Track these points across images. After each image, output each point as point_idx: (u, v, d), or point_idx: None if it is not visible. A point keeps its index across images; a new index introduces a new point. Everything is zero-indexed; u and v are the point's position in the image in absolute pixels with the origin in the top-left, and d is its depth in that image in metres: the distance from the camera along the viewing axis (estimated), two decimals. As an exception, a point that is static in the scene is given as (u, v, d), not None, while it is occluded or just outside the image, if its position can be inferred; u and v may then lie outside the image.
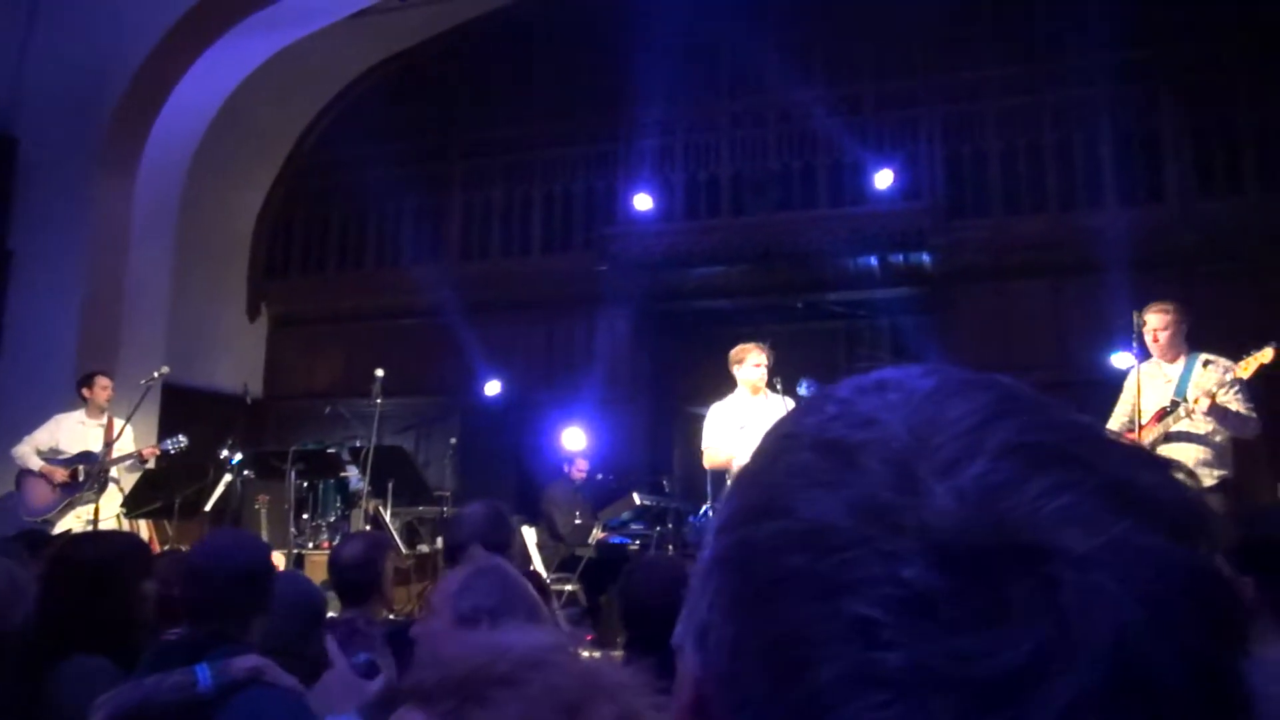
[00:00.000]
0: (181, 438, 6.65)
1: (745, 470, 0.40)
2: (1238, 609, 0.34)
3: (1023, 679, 0.30)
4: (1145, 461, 0.36)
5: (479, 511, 2.95)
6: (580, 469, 7.91)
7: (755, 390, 5.34)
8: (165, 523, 6.97)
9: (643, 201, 8.96)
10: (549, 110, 9.65)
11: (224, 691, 1.80)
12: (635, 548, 7.10)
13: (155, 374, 6.87)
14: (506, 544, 3.02)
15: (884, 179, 8.34)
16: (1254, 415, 4.49)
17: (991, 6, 8.60)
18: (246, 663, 1.86)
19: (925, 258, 8.44)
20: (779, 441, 0.40)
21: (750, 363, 5.35)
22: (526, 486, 8.68)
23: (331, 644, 1.75)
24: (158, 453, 6.76)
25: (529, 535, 6.55)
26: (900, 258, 8.56)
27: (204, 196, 9.36)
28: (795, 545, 0.35)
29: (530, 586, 1.82)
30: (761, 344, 5.43)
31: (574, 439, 8.28)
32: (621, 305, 9.01)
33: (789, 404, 4.75)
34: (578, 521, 7.38)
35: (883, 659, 0.32)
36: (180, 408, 8.64)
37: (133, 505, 6.54)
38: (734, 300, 9.12)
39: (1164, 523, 0.34)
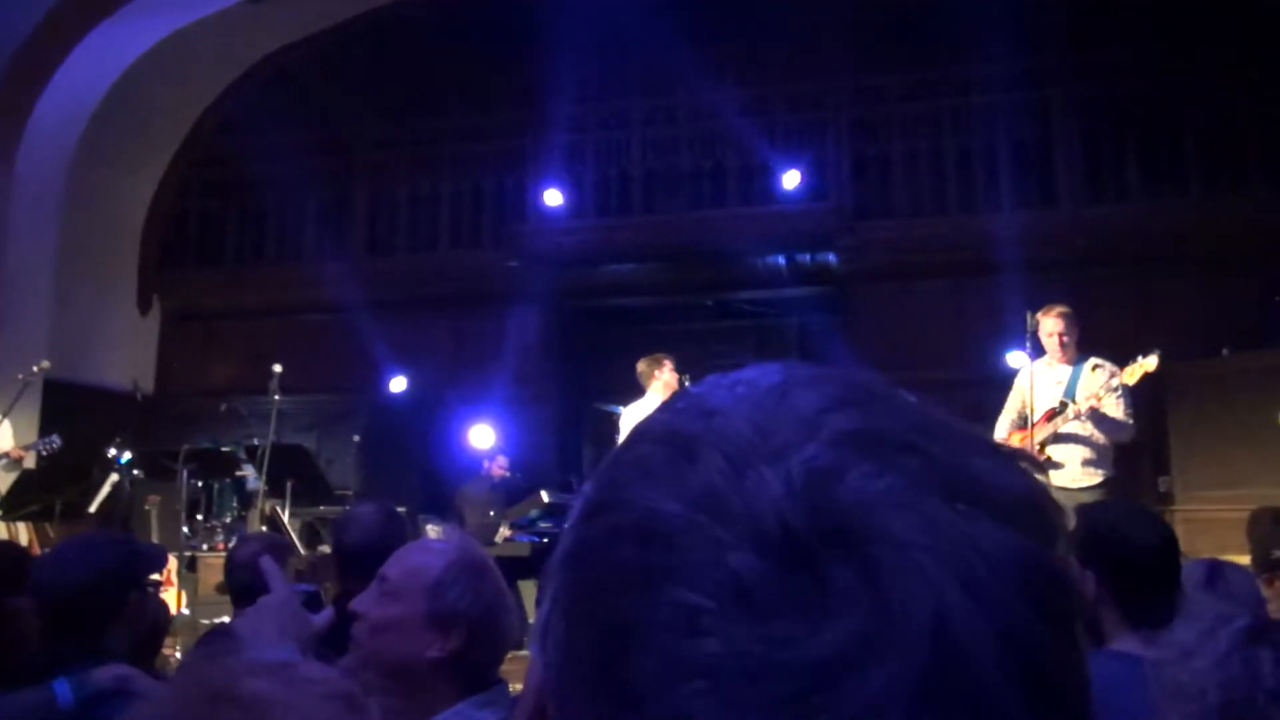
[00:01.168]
0: (55, 438, 6.34)
1: (596, 468, 0.40)
2: (1069, 599, 0.34)
3: (837, 665, 0.30)
4: (985, 450, 0.36)
5: (371, 513, 2.83)
6: (501, 467, 7.82)
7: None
8: (46, 525, 6.63)
9: (553, 198, 8.90)
10: (458, 103, 9.51)
11: (86, 705, 1.70)
12: (545, 544, 7.04)
13: (35, 369, 6.54)
14: (397, 548, 2.91)
15: (791, 180, 8.47)
16: (1130, 421, 4.68)
17: (897, 14, 8.80)
18: (110, 673, 1.75)
19: (831, 258, 8.60)
20: (630, 437, 0.40)
21: (668, 367, 5.64)
22: (433, 484, 8.54)
23: (268, 563, 1.59)
24: (25, 454, 6.41)
25: (435, 534, 6.44)
26: (807, 258, 8.71)
27: (91, 185, 8.93)
28: (626, 537, 0.34)
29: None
30: (668, 355, 5.74)
31: (482, 437, 8.18)
32: (531, 303, 8.94)
33: None
34: (487, 519, 7.30)
35: (700, 646, 0.31)
36: (64, 405, 8.22)
37: (9, 507, 6.20)
38: (645, 298, 9.15)
39: (995, 510, 0.33)
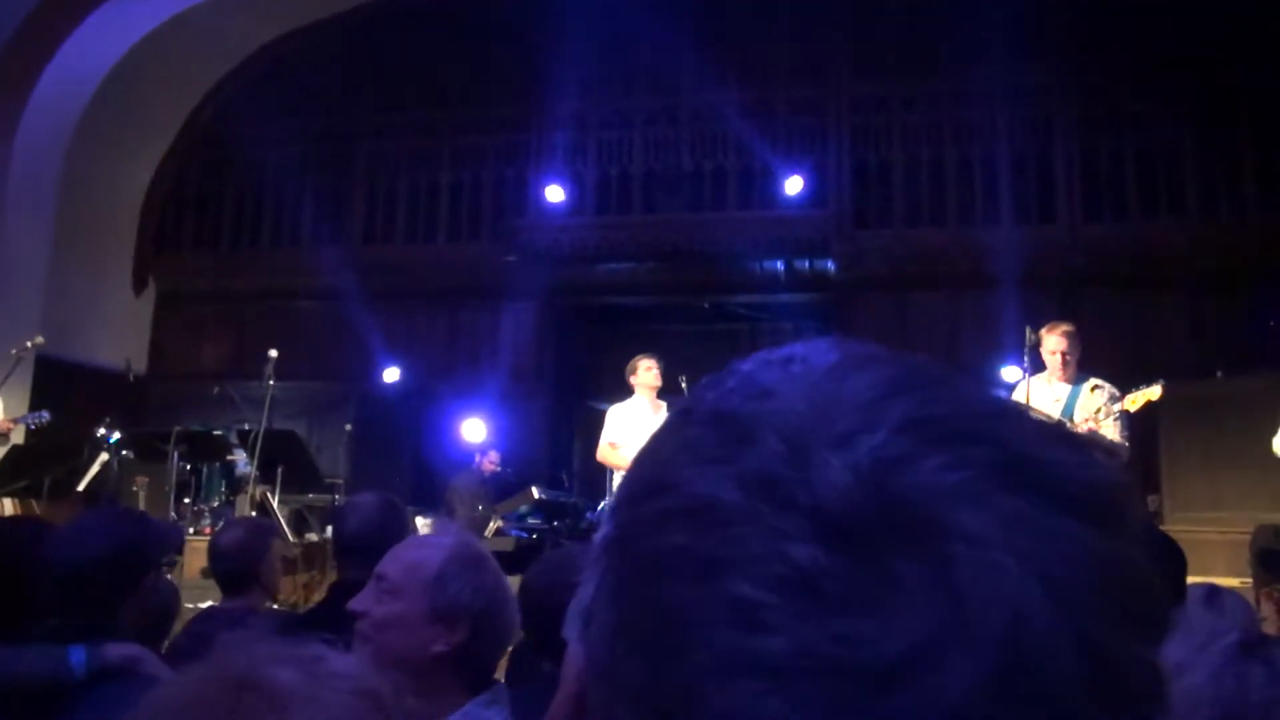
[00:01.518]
0: (45, 413, 6.30)
1: (642, 449, 0.38)
2: (1149, 598, 0.32)
3: (912, 664, 0.28)
4: (1056, 438, 0.34)
5: (371, 503, 2.84)
6: (492, 462, 7.81)
7: (654, 400, 5.58)
8: (33, 502, 6.60)
9: (554, 194, 8.89)
10: (461, 96, 9.49)
11: (96, 677, 1.69)
12: (533, 540, 7.04)
13: (28, 344, 6.50)
14: (398, 539, 2.91)
15: (793, 185, 8.49)
16: (1126, 445, 4.69)
17: (903, 23, 8.83)
18: (120, 650, 1.75)
19: (829, 264, 8.61)
20: (676, 417, 0.38)
21: (643, 367, 5.60)
22: (423, 476, 8.53)
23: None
24: (12, 427, 6.38)
25: (424, 526, 6.44)
26: (805, 263, 8.72)
27: (89, 165, 8.89)
28: (679, 523, 0.32)
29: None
30: (654, 355, 5.69)
31: (474, 430, 8.17)
32: (527, 298, 8.93)
33: None
34: (477, 513, 7.30)
35: (763, 644, 0.29)
36: (56, 382, 8.20)
37: (-3, 484, 6.17)
38: (641, 298, 9.15)
39: (1070, 503, 0.31)
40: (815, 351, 0.37)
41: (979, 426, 0.33)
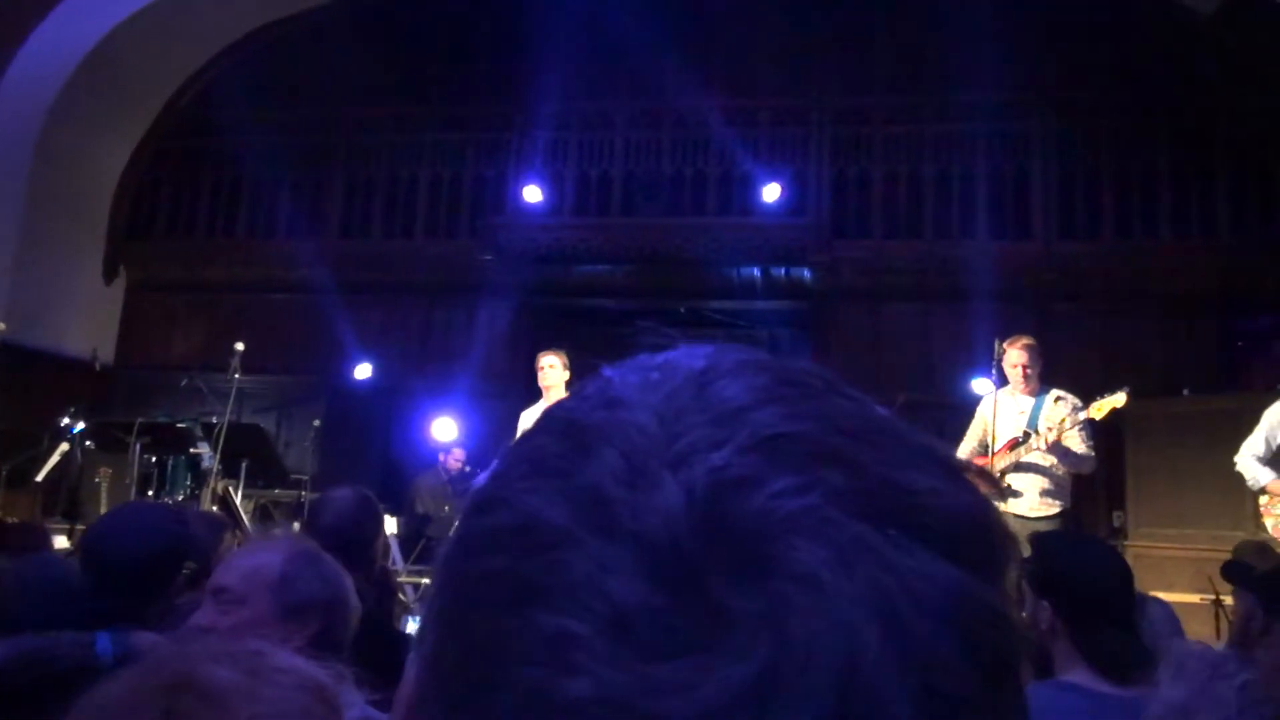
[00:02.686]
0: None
1: (501, 456, 0.35)
2: (1008, 641, 0.29)
3: (727, 712, 0.25)
4: (927, 462, 0.31)
5: (346, 497, 2.81)
6: (457, 459, 7.74)
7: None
8: (-9, 491, 6.49)
9: (532, 194, 8.86)
10: (443, 92, 9.44)
11: (120, 664, 1.67)
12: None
13: (-10, 330, 6.38)
14: (375, 535, 2.89)
15: (772, 192, 8.50)
16: (1092, 453, 4.74)
17: (887, 38, 8.87)
18: (148, 639, 1.73)
19: (806, 273, 8.63)
20: (534, 424, 0.35)
21: (544, 364, 5.27)
22: (391, 474, 8.45)
23: None
24: None
25: (390, 525, 6.38)
26: (783, 271, 8.73)
27: (63, 147, 8.77)
28: (503, 543, 0.30)
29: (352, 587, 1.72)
30: (558, 350, 5.37)
31: (444, 429, 8.11)
32: (503, 297, 8.88)
33: None
34: (443, 513, 7.23)
35: (567, 686, 0.26)
36: (19, 369, 8.07)
37: (-48, 471, 6.05)
38: (617, 300, 9.11)
39: (930, 535, 0.28)
40: (688, 358, 0.34)
41: (839, 446, 0.29)
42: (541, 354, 5.35)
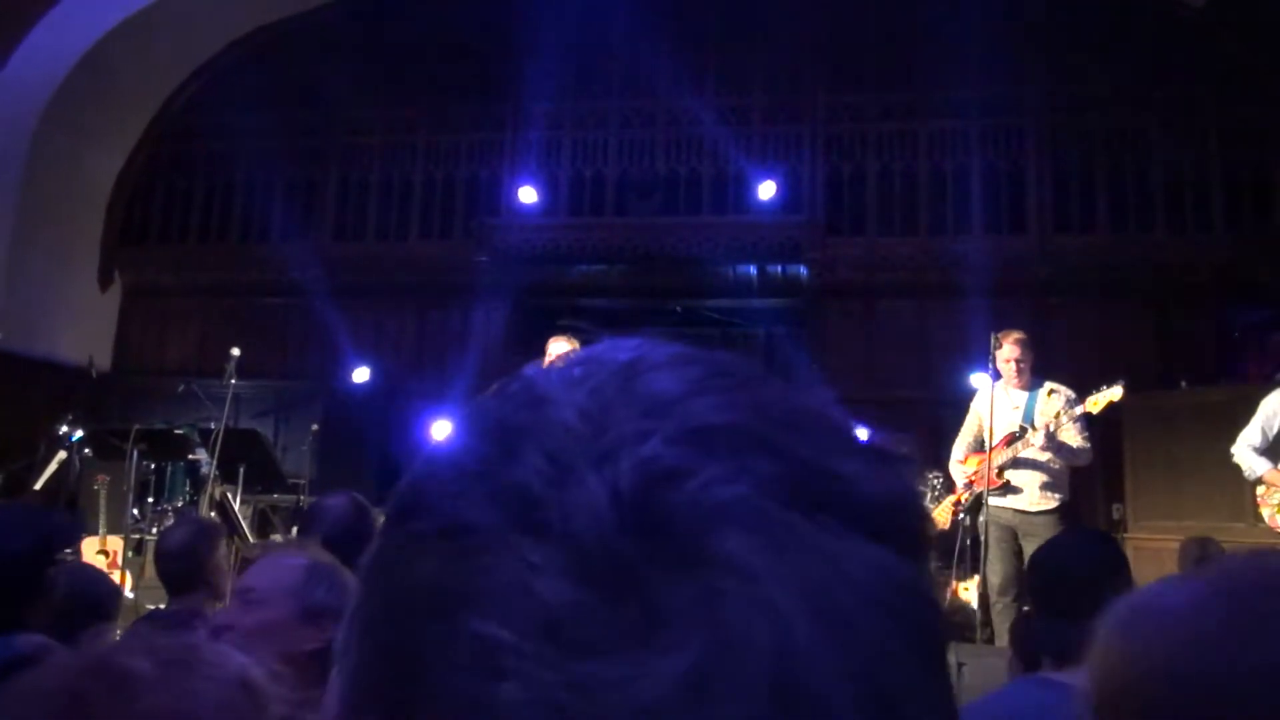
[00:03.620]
0: None
1: (419, 459, 0.34)
2: (936, 621, 0.29)
3: (665, 707, 0.25)
4: (853, 448, 0.31)
5: (341, 504, 2.83)
6: None
7: None
8: (-12, 500, 6.47)
9: (527, 194, 8.85)
10: (435, 92, 9.43)
11: (6, 669, 1.66)
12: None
13: (-15, 339, 6.36)
14: (368, 540, 2.91)
15: (766, 190, 8.50)
16: (1088, 446, 4.75)
17: (880, 34, 8.88)
18: (32, 641, 1.73)
19: (802, 271, 8.63)
20: (458, 425, 0.34)
21: (552, 351, 5.06)
22: (390, 477, 8.42)
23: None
24: None
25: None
26: (778, 269, 8.73)
27: (56, 153, 8.74)
28: (429, 549, 0.29)
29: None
30: (571, 336, 5.17)
31: (442, 431, 8.09)
32: (498, 298, 8.87)
33: None
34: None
35: (497, 691, 0.26)
36: (16, 376, 8.05)
37: (-50, 480, 6.04)
38: (612, 300, 9.11)
39: (859, 520, 0.28)
40: (613, 351, 0.33)
41: (768, 435, 0.29)
42: (553, 340, 5.24)
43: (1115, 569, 1.94)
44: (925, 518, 0.31)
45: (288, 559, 1.76)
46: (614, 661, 0.26)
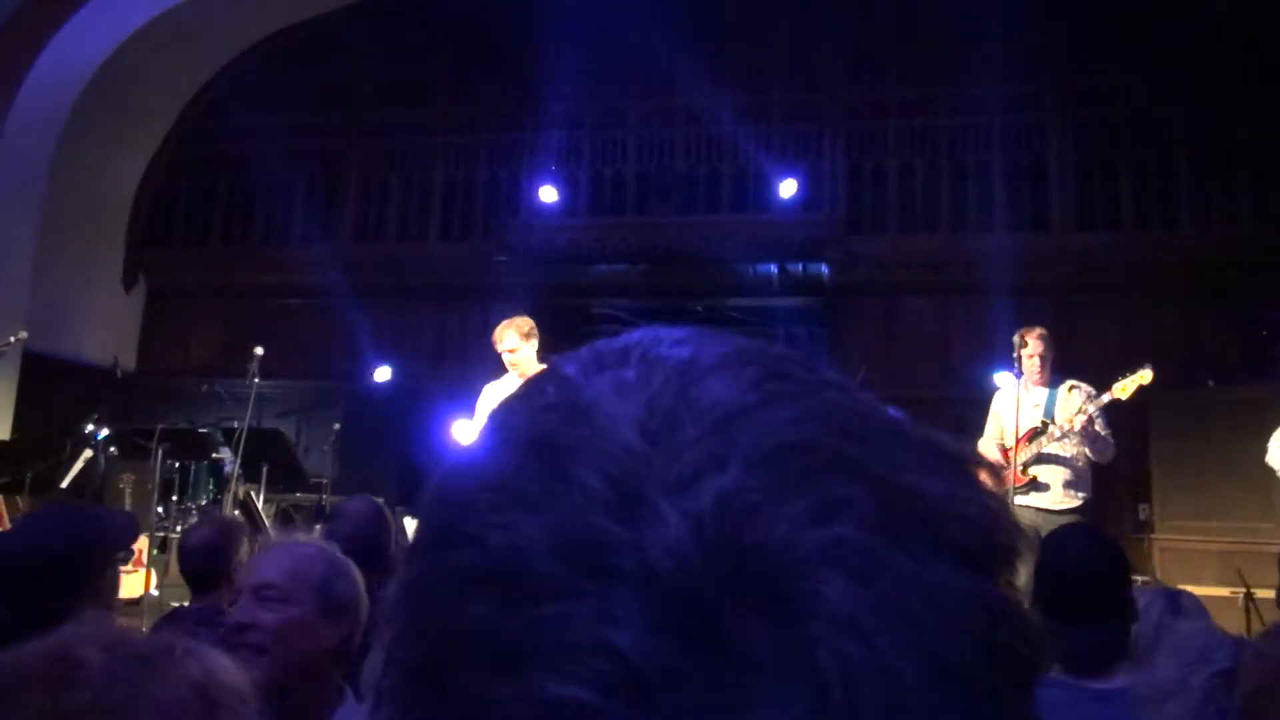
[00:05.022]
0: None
1: (444, 473, 0.31)
2: (1031, 649, 0.27)
3: None
4: (937, 462, 0.28)
5: (364, 508, 2.87)
6: None
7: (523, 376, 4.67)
8: (17, 498, 6.55)
9: (547, 194, 8.86)
10: (455, 94, 9.46)
11: None
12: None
13: (12, 339, 6.44)
14: (389, 543, 2.94)
15: (787, 188, 8.47)
16: (1112, 440, 4.71)
17: (900, 30, 8.82)
18: None
19: (823, 269, 8.59)
20: (487, 436, 0.30)
21: (505, 345, 4.75)
22: (411, 477, 8.47)
23: None
24: None
25: (411, 527, 6.39)
26: (799, 268, 8.69)
27: (80, 157, 8.83)
28: (482, 589, 0.26)
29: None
30: (512, 319, 4.86)
31: (465, 431, 8.11)
32: (518, 298, 8.86)
33: None
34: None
35: None
36: (43, 377, 8.15)
37: (-22, 479, 6.12)
38: (632, 300, 9.10)
39: (951, 546, 0.26)
40: (659, 345, 0.31)
41: (845, 453, 0.27)
42: (498, 330, 4.79)
43: (1112, 570, 1.90)
44: (1016, 533, 0.29)
45: (301, 549, 1.69)
46: (704, 717, 0.23)
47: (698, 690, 0.24)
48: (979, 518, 0.28)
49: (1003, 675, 0.26)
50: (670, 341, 0.31)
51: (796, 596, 0.24)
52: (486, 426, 0.31)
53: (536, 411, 0.29)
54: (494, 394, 4.89)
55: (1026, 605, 0.29)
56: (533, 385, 0.31)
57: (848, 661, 0.24)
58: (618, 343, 0.32)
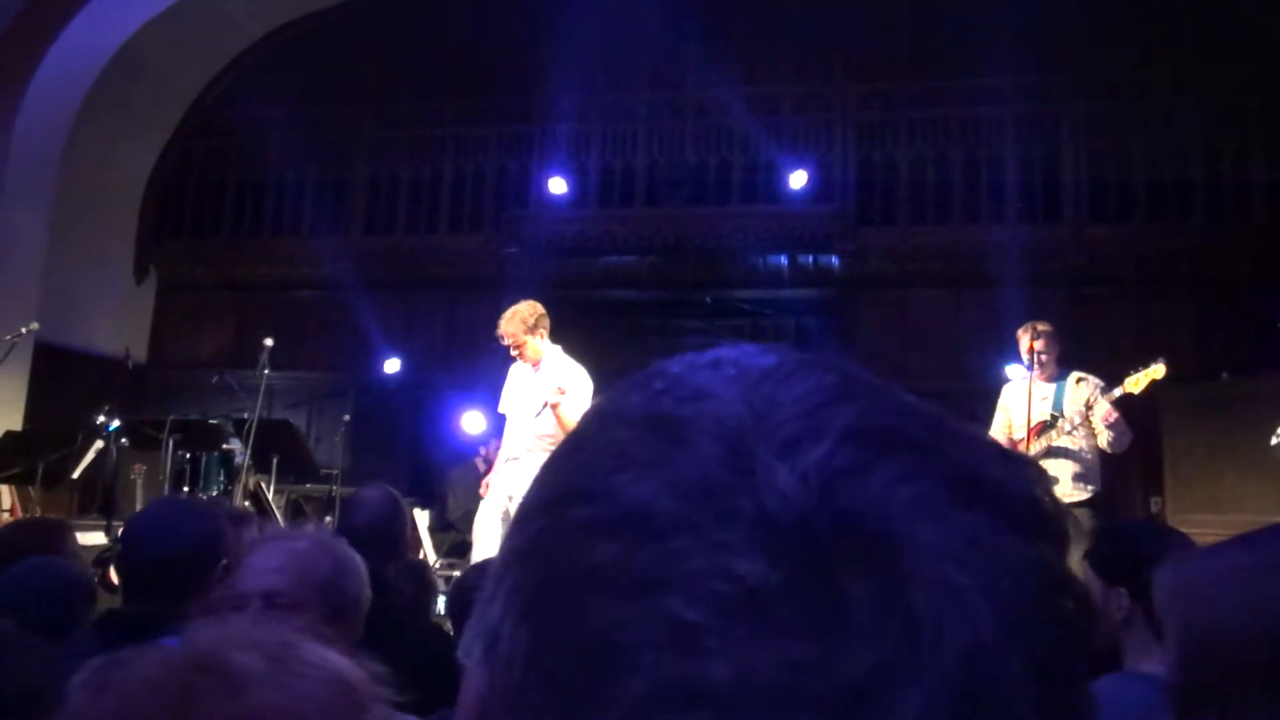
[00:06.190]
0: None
1: (556, 453, 0.35)
2: (1085, 615, 0.31)
3: (865, 690, 0.26)
4: (994, 454, 0.32)
5: (377, 497, 2.88)
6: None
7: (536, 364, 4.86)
8: (29, 489, 6.58)
9: (556, 186, 8.85)
10: (464, 86, 9.44)
11: None
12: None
13: (23, 330, 6.46)
14: (403, 534, 2.95)
15: (798, 180, 8.43)
16: (1128, 430, 4.69)
17: (911, 21, 8.76)
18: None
19: (833, 260, 8.56)
20: (596, 420, 0.34)
21: (510, 340, 4.80)
22: (421, 468, 8.50)
23: None
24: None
25: (422, 518, 6.41)
26: (809, 259, 8.66)
27: (91, 150, 8.85)
28: (607, 533, 0.29)
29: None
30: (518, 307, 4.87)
31: (474, 423, 8.13)
32: (527, 290, 8.81)
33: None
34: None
35: (704, 670, 0.26)
36: (54, 368, 8.18)
37: (-9, 469, 6.15)
38: (642, 291, 9.10)
39: (1015, 520, 0.30)
40: (747, 355, 0.35)
41: (924, 439, 0.31)
42: (501, 322, 4.78)
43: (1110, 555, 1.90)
44: (1065, 519, 0.32)
45: (303, 546, 1.59)
46: (814, 644, 0.26)
47: (804, 615, 0.27)
48: (1035, 500, 0.31)
49: (1063, 639, 0.29)
50: (755, 353, 0.35)
51: (892, 541, 0.28)
52: (593, 411, 0.35)
53: (648, 397, 0.33)
54: (513, 375, 4.99)
55: (1080, 583, 0.32)
56: (638, 379, 0.35)
57: (935, 600, 0.27)
58: (706, 355, 0.36)
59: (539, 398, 4.71)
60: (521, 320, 4.85)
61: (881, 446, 0.30)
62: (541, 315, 4.90)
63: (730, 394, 0.32)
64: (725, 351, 0.35)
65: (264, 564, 1.58)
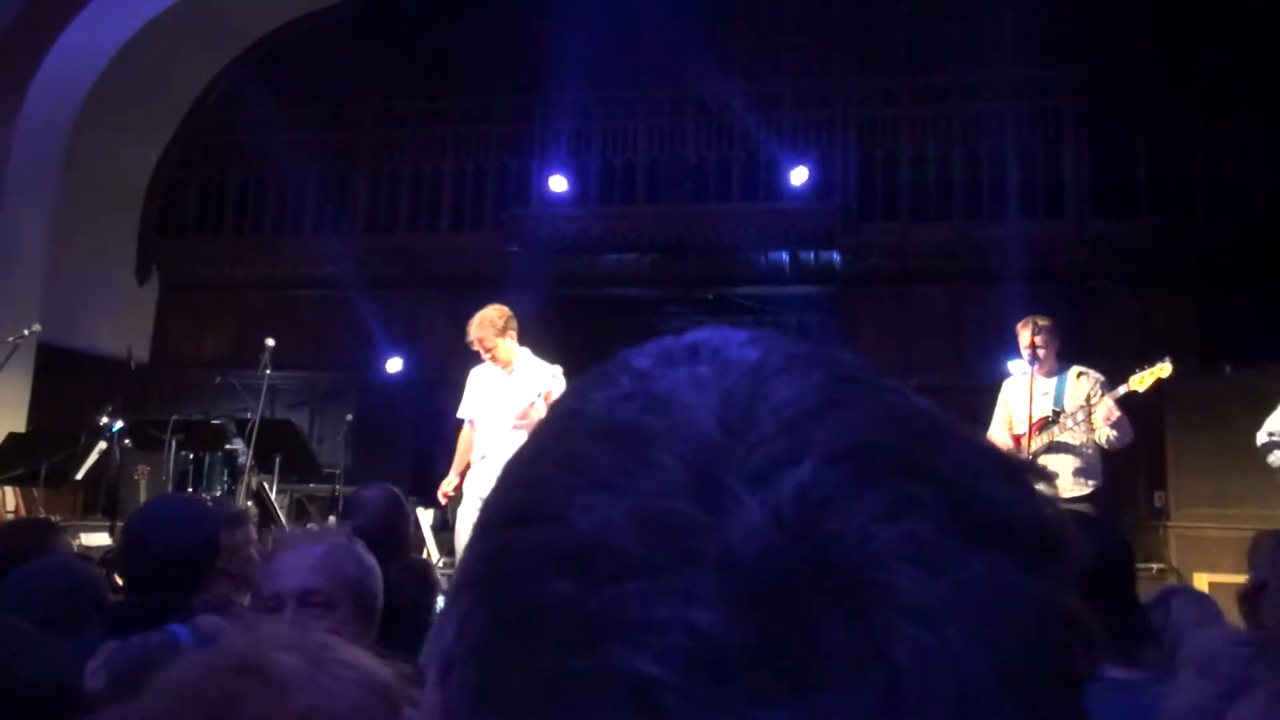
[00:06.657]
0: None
1: (512, 461, 0.32)
2: (1087, 649, 0.28)
3: None
4: (998, 469, 0.30)
5: (380, 496, 2.89)
6: None
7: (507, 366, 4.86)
8: (32, 490, 6.60)
9: (557, 183, 8.84)
10: (465, 85, 9.44)
11: (202, 645, 1.71)
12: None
13: (25, 331, 6.47)
14: (405, 532, 2.95)
15: (799, 176, 8.42)
16: (1130, 426, 4.68)
17: (912, 17, 8.74)
18: (212, 622, 1.75)
19: (834, 257, 8.55)
20: (558, 422, 0.32)
21: (481, 344, 4.82)
22: (424, 467, 8.49)
23: None
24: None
25: (424, 517, 6.41)
26: (810, 256, 8.66)
27: (93, 149, 8.86)
28: (562, 567, 0.27)
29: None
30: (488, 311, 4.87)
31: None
32: (528, 288, 8.86)
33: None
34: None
35: None
36: (57, 369, 8.19)
37: (-6, 470, 6.16)
38: (643, 289, 9.10)
39: (1018, 550, 0.27)
40: (728, 345, 0.32)
41: (917, 456, 0.28)
42: (469, 326, 4.81)
43: (1123, 552, 1.89)
44: (1073, 539, 0.30)
45: (331, 545, 1.61)
46: (780, 703, 0.24)
47: (773, 673, 0.24)
48: (1041, 525, 0.29)
49: (1062, 675, 0.27)
50: (738, 343, 0.32)
51: (872, 587, 0.25)
52: (554, 412, 0.32)
53: (611, 400, 0.30)
54: (480, 378, 4.98)
55: (1085, 612, 0.29)
56: (603, 375, 0.32)
57: (919, 653, 0.25)
58: (685, 340, 0.33)
59: (519, 401, 4.71)
60: (491, 324, 4.88)
61: (867, 470, 0.27)
62: (510, 318, 4.94)
63: (700, 401, 0.29)
64: (706, 338, 0.33)
65: (296, 564, 1.59)
